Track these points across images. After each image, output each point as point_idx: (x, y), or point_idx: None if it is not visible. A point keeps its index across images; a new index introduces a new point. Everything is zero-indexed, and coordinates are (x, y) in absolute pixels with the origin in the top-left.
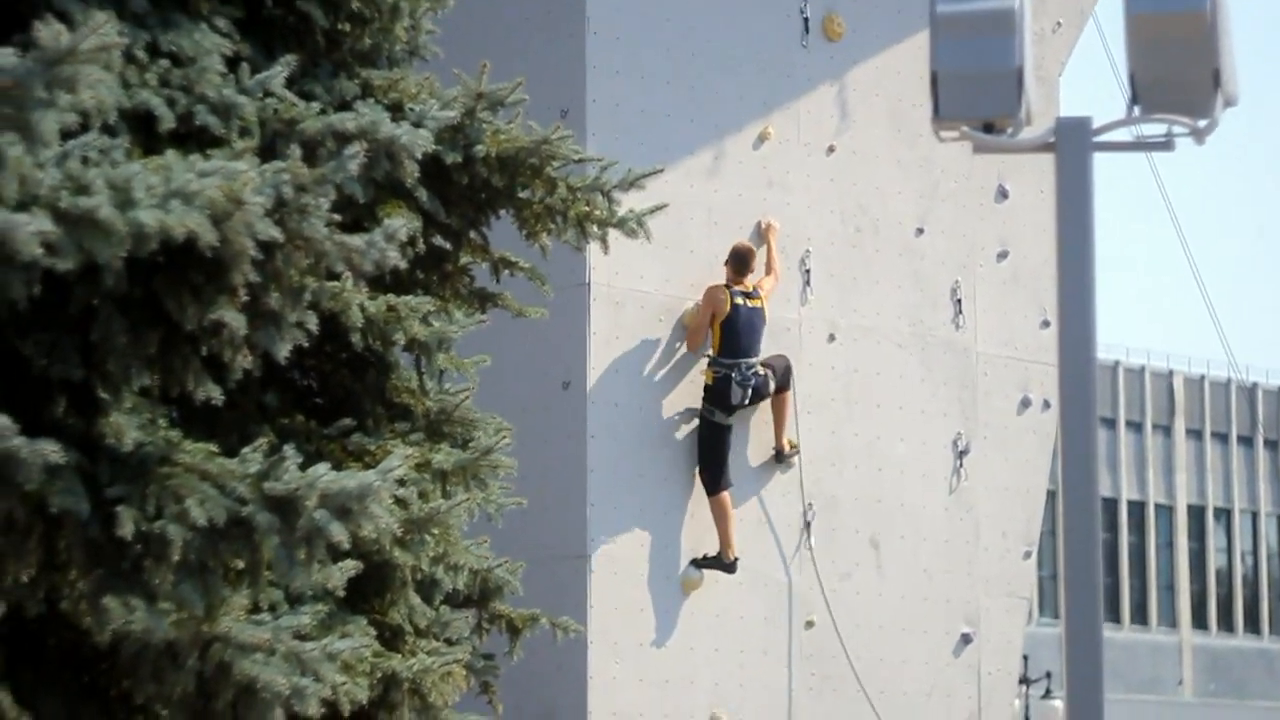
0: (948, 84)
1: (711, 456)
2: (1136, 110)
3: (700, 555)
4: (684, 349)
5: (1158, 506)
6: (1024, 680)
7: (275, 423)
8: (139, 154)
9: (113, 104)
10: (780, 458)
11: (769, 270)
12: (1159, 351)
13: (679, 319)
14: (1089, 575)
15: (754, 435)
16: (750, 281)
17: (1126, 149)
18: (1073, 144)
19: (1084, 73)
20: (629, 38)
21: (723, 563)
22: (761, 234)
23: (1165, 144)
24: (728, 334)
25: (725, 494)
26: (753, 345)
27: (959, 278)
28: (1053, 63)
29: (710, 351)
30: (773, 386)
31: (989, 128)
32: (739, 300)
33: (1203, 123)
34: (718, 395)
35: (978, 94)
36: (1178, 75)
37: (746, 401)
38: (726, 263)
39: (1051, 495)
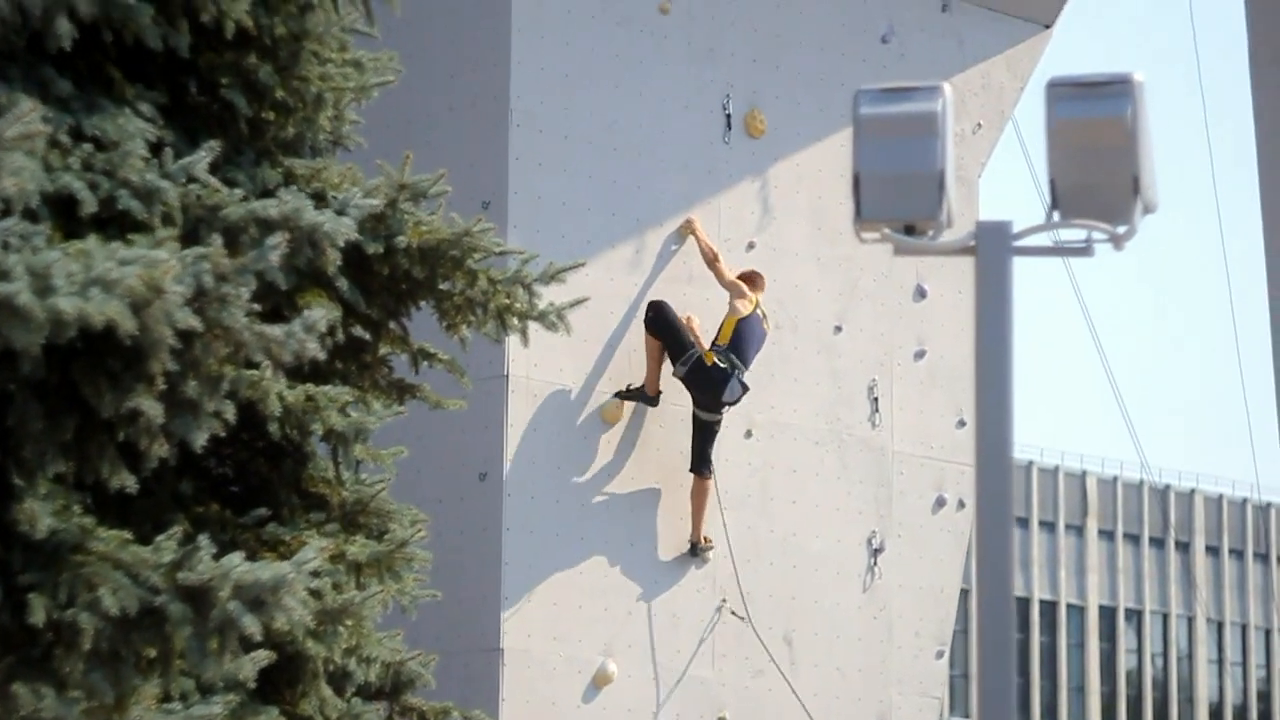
0: (869, 185)
1: (670, 330)
2: (1056, 215)
3: (626, 386)
4: (602, 431)
5: (1069, 607)
6: None
7: (190, 511)
8: (60, 238)
9: (35, 190)
10: (695, 551)
11: (713, 257)
12: (1072, 452)
13: (598, 412)
14: (1003, 677)
15: (667, 531)
16: (758, 300)
17: (1046, 254)
18: (992, 248)
19: (1002, 173)
20: (552, 131)
21: (645, 395)
22: (684, 233)
23: (1085, 249)
24: (742, 336)
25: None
26: (751, 358)
27: (876, 376)
28: (972, 164)
29: (718, 340)
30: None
31: (910, 229)
32: (759, 310)
33: (1122, 229)
34: (712, 382)
35: (899, 196)
36: (1098, 181)
37: (734, 401)
38: (741, 277)
39: (964, 594)
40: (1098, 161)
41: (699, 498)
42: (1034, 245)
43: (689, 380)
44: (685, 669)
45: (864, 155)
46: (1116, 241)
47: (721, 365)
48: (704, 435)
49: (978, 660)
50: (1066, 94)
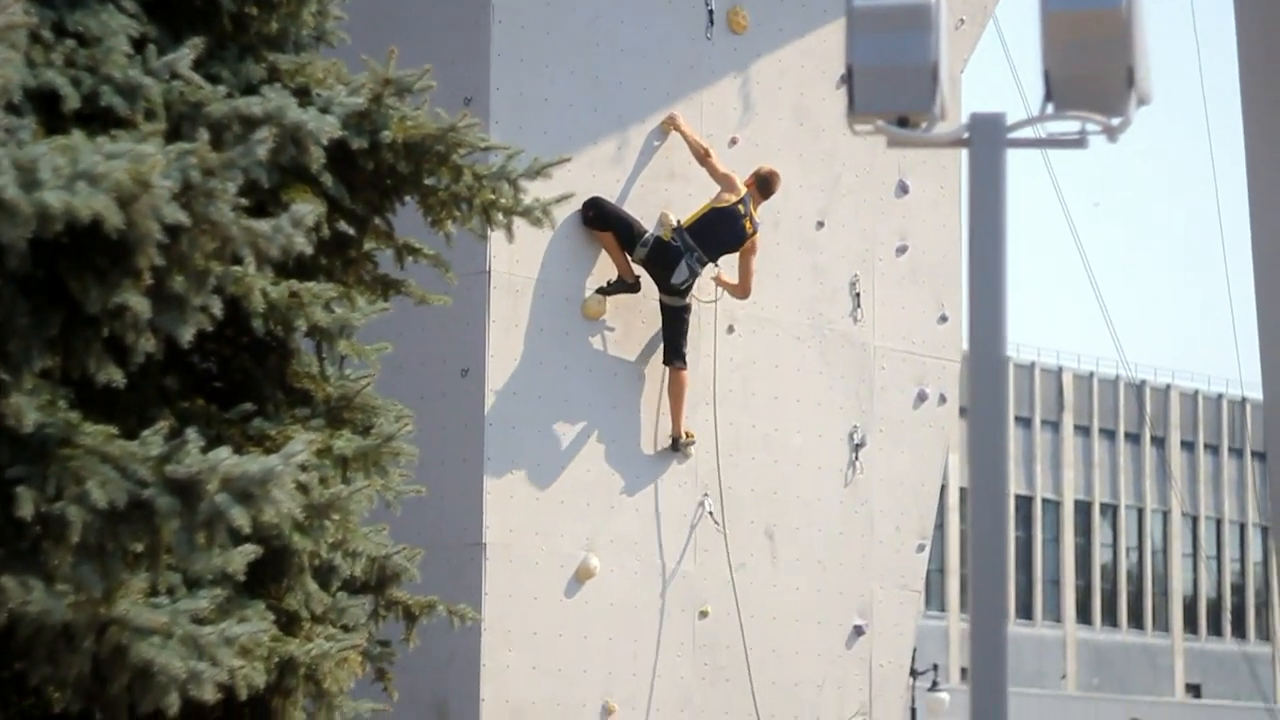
0: (863, 78)
1: (611, 217)
2: (1050, 107)
3: (605, 283)
4: (581, 331)
5: (1044, 501)
6: (912, 672)
7: (175, 406)
8: (43, 134)
9: (19, 83)
10: (676, 446)
11: (704, 153)
12: (1048, 348)
13: (580, 307)
14: (996, 572)
15: (649, 425)
16: (757, 210)
17: (1040, 145)
18: (986, 140)
19: (982, 70)
20: (534, 26)
21: (624, 284)
22: (667, 129)
23: (1079, 141)
24: (710, 223)
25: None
26: (717, 248)
27: (858, 272)
28: (956, 60)
29: (682, 220)
30: (689, 304)
31: (903, 122)
32: (742, 208)
33: (1116, 120)
34: (666, 261)
35: (893, 88)
36: (1092, 73)
37: (684, 286)
38: (749, 181)
39: (942, 490)
40: (1092, 53)
41: (676, 391)
42: (1027, 137)
43: (649, 261)
44: (668, 563)
45: (857, 48)
46: (1110, 133)
47: (675, 244)
48: (673, 324)
49: (971, 553)
50: None
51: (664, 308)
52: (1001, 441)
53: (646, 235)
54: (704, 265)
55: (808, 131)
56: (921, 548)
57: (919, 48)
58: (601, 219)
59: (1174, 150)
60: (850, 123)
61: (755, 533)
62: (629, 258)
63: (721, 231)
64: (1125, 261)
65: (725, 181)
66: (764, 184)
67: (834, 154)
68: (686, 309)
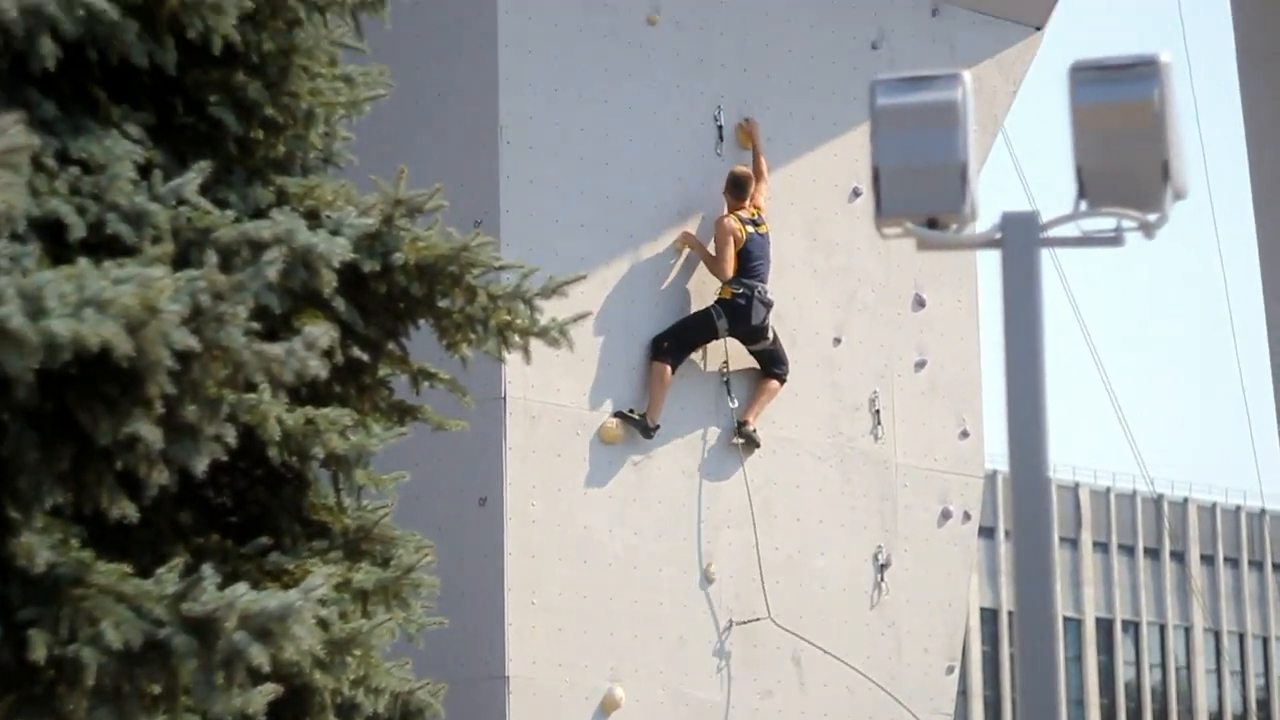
0: (889, 179)
1: (683, 336)
2: (1083, 204)
3: (628, 409)
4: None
5: (1066, 619)
6: None
7: (190, 542)
8: (49, 264)
9: (23, 209)
10: (741, 431)
11: (759, 174)
12: (1063, 464)
13: (598, 431)
14: (1049, 696)
15: (673, 551)
16: (749, 207)
17: (1075, 244)
18: (1020, 239)
19: (989, 175)
20: (542, 147)
21: (645, 425)
22: (743, 134)
23: (1115, 239)
24: (745, 258)
25: (667, 368)
26: (765, 270)
27: (877, 388)
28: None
29: (729, 274)
30: (771, 335)
31: (932, 223)
32: (750, 227)
33: (1153, 216)
34: (738, 311)
35: (921, 189)
36: (1125, 168)
37: (765, 323)
38: (725, 191)
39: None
40: (1125, 147)
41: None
42: (1062, 236)
43: (734, 330)
44: (695, 692)
45: (883, 148)
46: (1147, 230)
47: (737, 292)
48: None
49: (1021, 678)
50: (1091, 77)
51: (757, 355)
52: (1048, 558)
53: (714, 310)
54: (769, 295)
55: (821, 247)
56: (951, 669)
57: (947, 146)
58: (675, 347)
59: (1184, 256)
60: (878, 226)
61: (782, 658)
62: (663, 403)
63: (757, 254)
64: (1135, 371)
65: (724, 240)
66: (739, 189)
67: (849, 269)
68: (775, 344)
